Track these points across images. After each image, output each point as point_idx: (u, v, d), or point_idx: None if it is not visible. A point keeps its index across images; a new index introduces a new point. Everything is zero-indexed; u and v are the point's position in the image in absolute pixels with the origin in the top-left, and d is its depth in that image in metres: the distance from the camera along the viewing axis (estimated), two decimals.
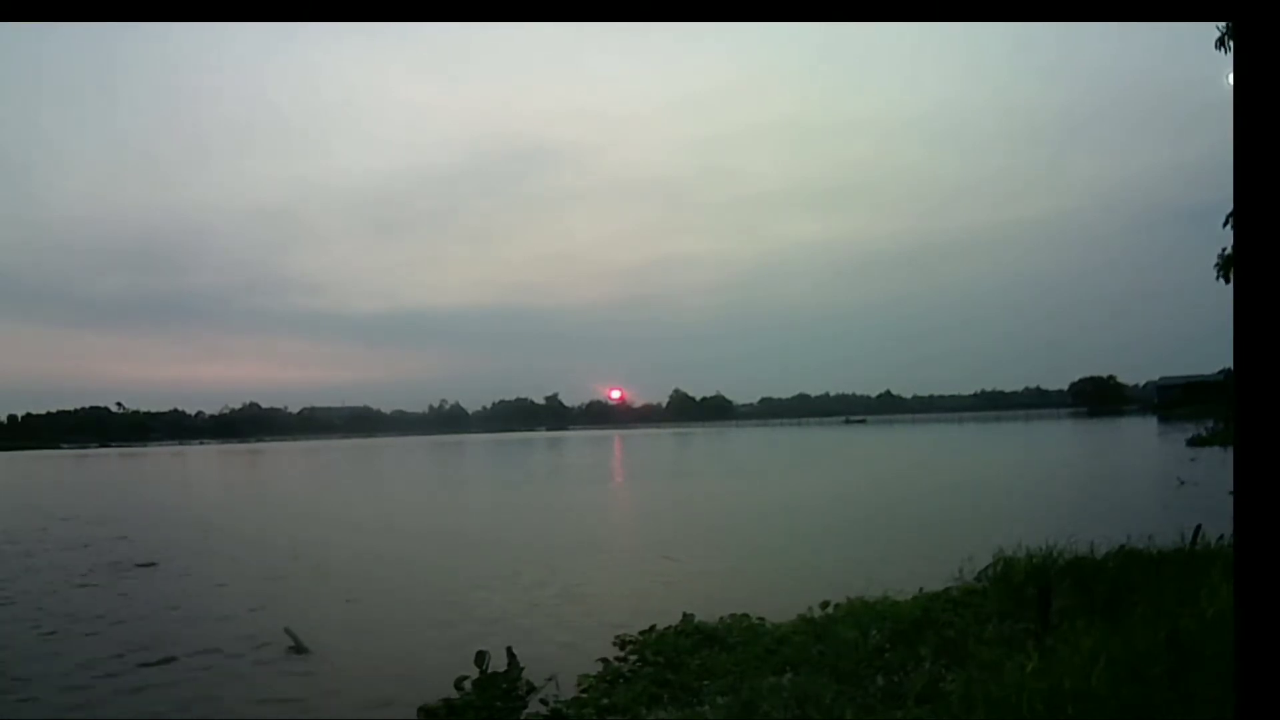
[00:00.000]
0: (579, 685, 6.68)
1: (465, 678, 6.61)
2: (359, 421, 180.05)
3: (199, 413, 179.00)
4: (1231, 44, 6.46)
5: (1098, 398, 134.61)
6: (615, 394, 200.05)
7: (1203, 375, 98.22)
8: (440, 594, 10.96)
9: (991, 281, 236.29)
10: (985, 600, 8.22)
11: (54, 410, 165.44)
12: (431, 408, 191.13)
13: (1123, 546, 9.58)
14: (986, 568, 9.74)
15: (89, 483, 43.08)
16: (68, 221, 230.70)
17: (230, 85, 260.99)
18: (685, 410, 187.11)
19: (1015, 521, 14.31)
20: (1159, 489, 20.18)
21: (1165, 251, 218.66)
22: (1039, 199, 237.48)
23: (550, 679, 6.72)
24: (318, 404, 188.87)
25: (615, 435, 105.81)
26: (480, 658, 6.66)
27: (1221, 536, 8.87)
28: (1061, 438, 54.88)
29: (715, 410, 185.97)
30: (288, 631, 8.65)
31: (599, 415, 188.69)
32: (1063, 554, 9.40)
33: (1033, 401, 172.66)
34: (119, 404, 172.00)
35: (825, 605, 8.61)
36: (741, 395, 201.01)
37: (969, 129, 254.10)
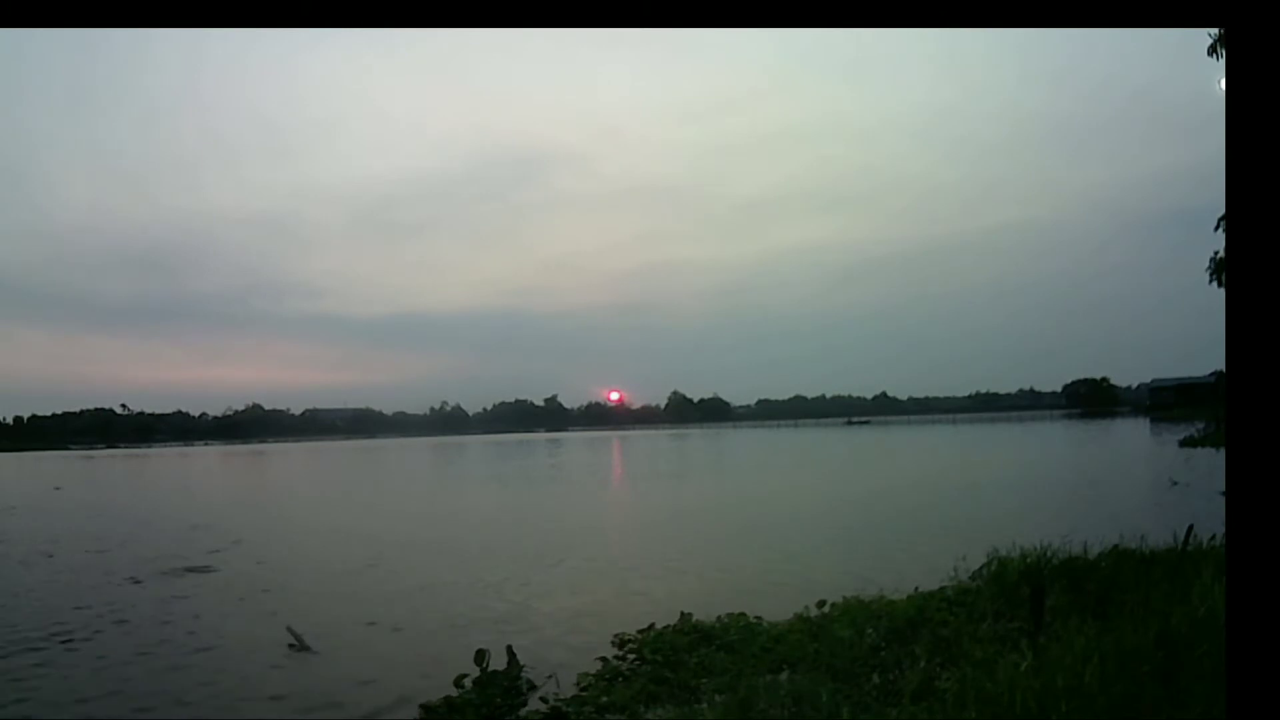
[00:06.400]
0: (578, 683, 6.70)
1: (466, 675, 6.64)
2: (360, 423, 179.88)
3: (203, 414, 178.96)
4: (1223, 50, 6.53)
5: (1091, 399, 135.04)
6: (614, 396, 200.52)
7: (1195, 377, 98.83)
8: (441, 593, 10.97)
9: (986, 285, 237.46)
10: (979, 599, 8.27)
11: (60, 412, 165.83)
12: (432, 409, 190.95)
13: (1115, 546, 9.65)
14: (981, 567, 9.81)
15: (126, 483, 42.73)
16: (73, 228, 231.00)
17: (233, 92, 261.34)
18: (683, 412, 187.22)
19: (1009, 521, 14.39)
20: (1152, 489, 20.28)
21: (1158, 255, 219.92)
22: (1032, 203, 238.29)
23: (550, 677, 6.76)
24: (320, 405, 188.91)
25: (614, 436, 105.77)
26: (480, 656, 6.69)
27: (1213, 536, 8.93)
28: (1055, 439, 55.04)
29: (713, 412, 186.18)
30: (290, 630, 8.65)
31: (598, 417, 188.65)
32: (1056, 554, 9.46)
33: (1026, 403, 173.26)
34: (124, 406, 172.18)
35: (821, 604, 8.66)
36: (739, 397, 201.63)
37: (962, 134, 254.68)
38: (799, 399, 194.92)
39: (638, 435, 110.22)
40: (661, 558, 13.10)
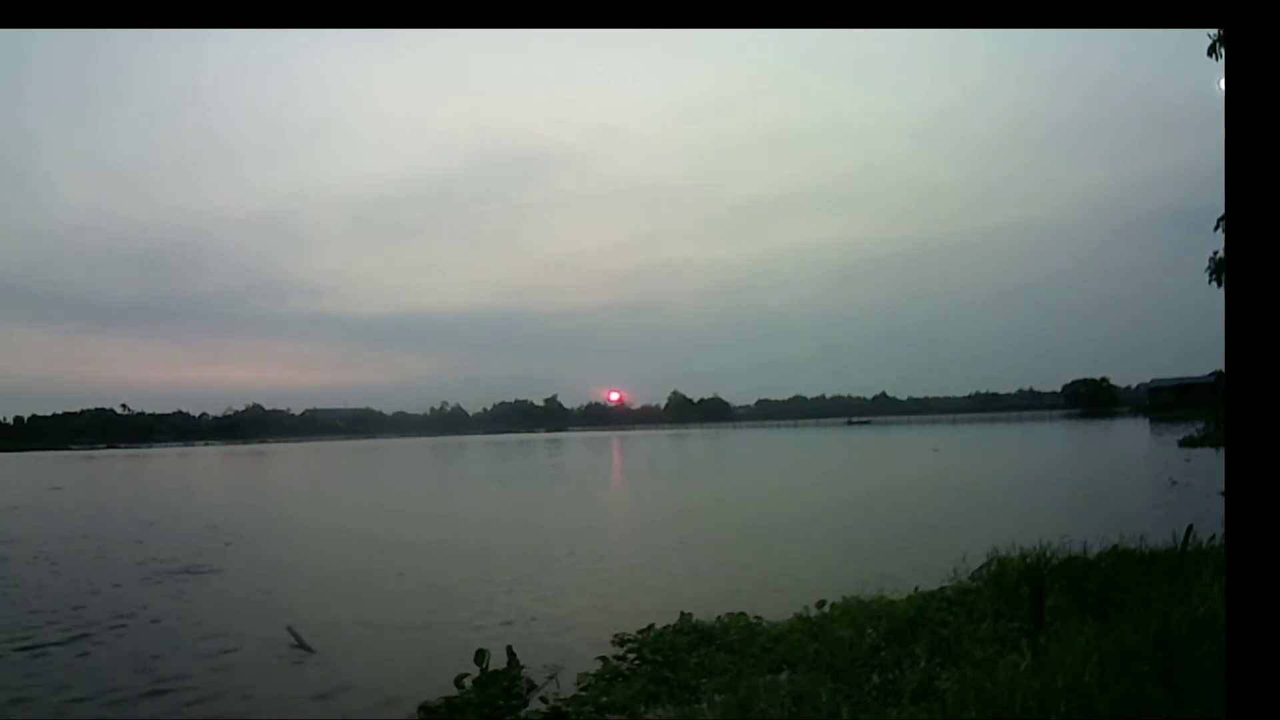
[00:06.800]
0: (578, 683, 6.70)
1: (466, 675, 6.64)
2: (361, 423, 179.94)
3: (203, 414, 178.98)
4: (1222, 50, 6.53)
5: (1090, 399, 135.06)
6: (614, 396, 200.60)
7: (1194, 377, 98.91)
8: (441, 593, 10.97)
9: (985, 285, 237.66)
10: (979, 599, 8.28)
11: (60, 412, 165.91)
12: (433, 409, 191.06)
13: (1115, 546, 9.67)
14: (981, 567, 9.82)
15: (128, 483, 42.54)
16: (73, 228, 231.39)
17: (233, 93, 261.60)
18: (683, 412, 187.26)
19: (1009, 521, 14.39)
20: (1152, 489, 20.30)
21: (1158, 255, 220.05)
22: (1032, 203, 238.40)
23: (550, 677, 6.77)
24: (319, 405, 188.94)
25: (614, 437, 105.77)
26: (480, 656, 6.69)
27: (1213, 536, 8.93)
28: (1054, 439, 55.07)
29: (712, 412, 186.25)
30: (290, 631, 8.65)
31: (598, 417, 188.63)
32: (1056, 554, 9.48)
33: (1026, 403, 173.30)
34: (124, 406, 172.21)
35: (821, 605, 8.67)
36: (739, 397, 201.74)
37: (962, 134, 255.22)
38: (799, 399, 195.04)
39: (638, 435, 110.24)
40: (661, 558, 13.10)
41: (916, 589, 9.10)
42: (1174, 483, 20.89)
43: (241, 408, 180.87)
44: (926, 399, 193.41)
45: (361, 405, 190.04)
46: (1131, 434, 55.88)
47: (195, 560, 14.39)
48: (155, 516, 22.99)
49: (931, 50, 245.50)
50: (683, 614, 8.49)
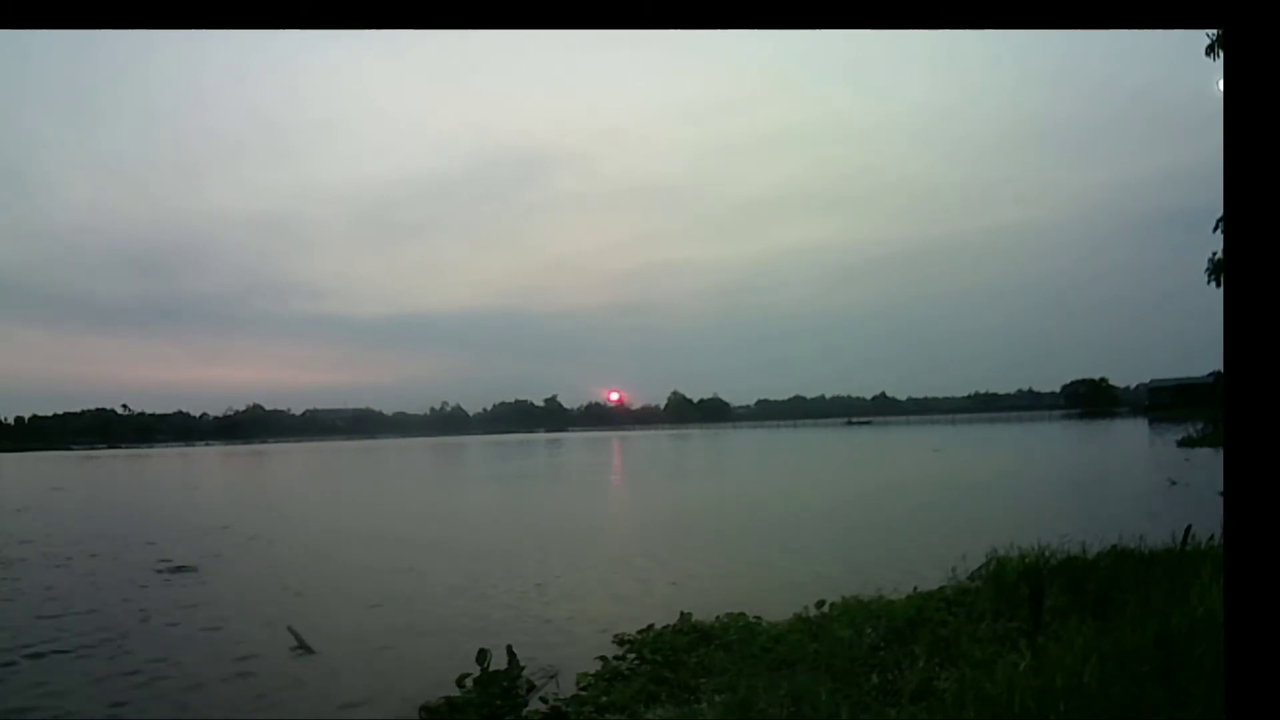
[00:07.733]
0: (578, 683, 6.71)
1: (466, 676, 6.65)
2: (361, 423, 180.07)
3: (203, 414, 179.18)
4: (1221, 51, 6.54)
5: (1089, 400, 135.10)
6: (614, 396, 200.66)
7: (1193, 378, 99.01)
8: (442, 594, 10.98)
9: (985, 285, 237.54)
10: (978, 599, 8.28)
11: (61, 412, 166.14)
12: (433, 409, 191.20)
13: (1114, 546, 9.67)
14: (980, 567, 9.83)
15: (130, 484, 42.51)
16: (73, 228, 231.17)
17: (234, 93, 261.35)
18: (683, 412, 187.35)
19: (1008, 521, 14.40)
20: (1151, 489, 20.31)
21: (1157, 255, 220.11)
22: (1031, 204, 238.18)
23: (551, 677, 6.78)
24: (320, 406, 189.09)
25: (614, 437, 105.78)
26: (481, 656, 6.70)
27: (1212, 536, 8.94)
28: (1054, 439, 55.09)
29: (712, 412, 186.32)
30: (291, 631, 8.65)
31: (598, 417, 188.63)
32: (1055, 554, 9.48)
33: (1025, 404, 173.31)
34: (125, 406, 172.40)
35: (821, 605, 8.67)
36: (738, 397, 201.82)
37: (961, 135, 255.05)
38: (798, 399, 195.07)
39: (638, 436, 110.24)
40: (661, 558, 13.11)
41: (916, 589, 9.11)
42: (1173, 483, 20.90)
43: (242, 408, 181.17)
44: (926, 399, 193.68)
45: (362, 405, 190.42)
46: (1130, 434, 55.91)
47: (196, 560, 14.38)
48: (158, 517, 23.00)
49: (931, 51, 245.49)
50: (682, 614, 8.49)
